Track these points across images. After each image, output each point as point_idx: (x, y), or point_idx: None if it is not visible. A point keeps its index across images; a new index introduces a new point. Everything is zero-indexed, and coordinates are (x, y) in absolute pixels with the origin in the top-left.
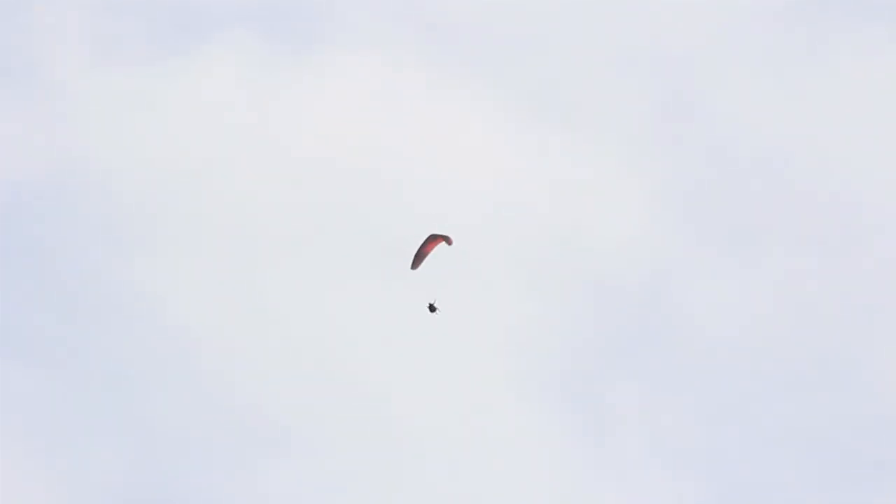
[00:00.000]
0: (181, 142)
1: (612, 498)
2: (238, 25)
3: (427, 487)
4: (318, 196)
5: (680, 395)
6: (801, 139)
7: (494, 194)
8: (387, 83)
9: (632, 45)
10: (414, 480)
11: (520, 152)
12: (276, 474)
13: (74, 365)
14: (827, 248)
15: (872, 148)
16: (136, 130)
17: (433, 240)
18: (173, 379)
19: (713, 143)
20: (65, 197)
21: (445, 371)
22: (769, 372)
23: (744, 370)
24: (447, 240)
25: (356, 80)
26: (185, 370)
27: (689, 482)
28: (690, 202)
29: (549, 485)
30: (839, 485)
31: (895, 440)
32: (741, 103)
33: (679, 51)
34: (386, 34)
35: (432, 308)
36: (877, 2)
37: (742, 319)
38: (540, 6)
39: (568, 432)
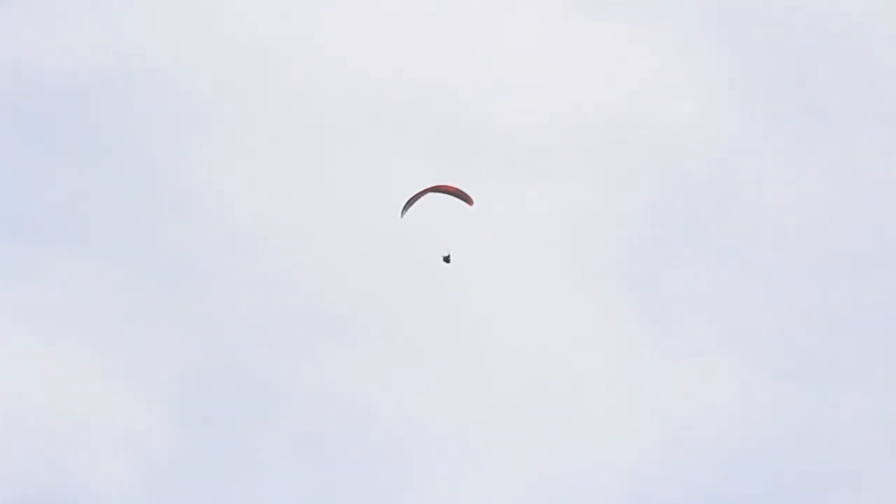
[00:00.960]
0: (245, 36)
1: (677, 383)
2: None
3: (490, 375)
4: (381, 90)
5: (745, 280)
6: (868, 17)
7: (557, 85)
8: None
9: None
10: (478, 369)
11: (583, 41)
12: (341, 364)
13: (138, 258)
14: (893, 127)
15: None
16: (199, 23)
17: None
18: (237, 271)
19: (777, 25)
20: (126, 91)
21: (510, 260)
22: (834, 254)
23: (808, 253)
24: (466, 198)
25: None
26: (249, 261)
27: (753, 367)
28: (755, 85)
29: (613, 370)
30: None
31: None
32: None
33: None
34: None
35: (447, 259)
36: None
37: (807, 202)
38: None
39: (633, 318)
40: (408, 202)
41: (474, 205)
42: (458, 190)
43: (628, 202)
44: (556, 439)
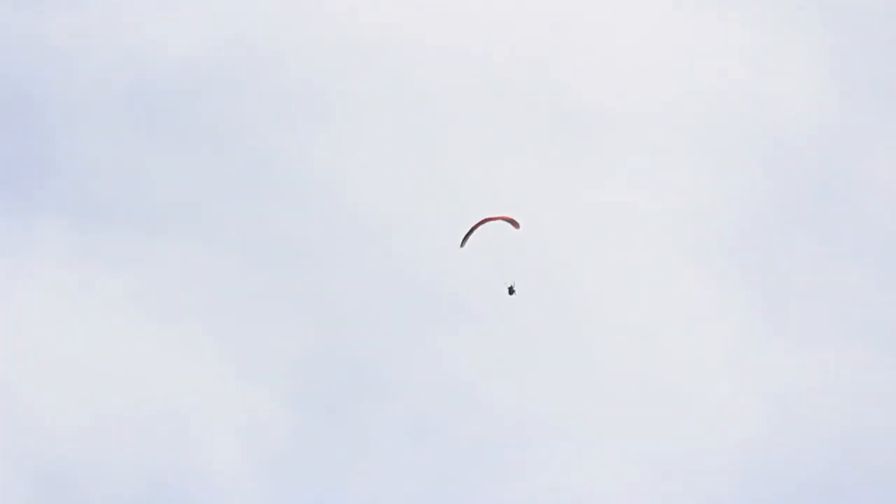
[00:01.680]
0: (358, 21)
1: (789, 366)
2: None
3: (603, 359)
4: (494, 76)
5: (857, 264)
6: None
7: (667, 69)
8: None
9: None
10: (590, 354)
11: (692, 26)
12: (455, 351)
13: (253, 245)
14: None
15: None
16: (313, 9)
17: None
18: (352, 257)
19: (881, 6)
20: (241, 79)
21: (622, 244)
22: None
23: None
24: (513, 222)
25: None
26: (364, 248)
27: (866, 351)
28: (865, 68)
29: (725, 353)
30: None
31: None
32: None
33: None
34: None
35: (511, 290)
36: None
37: None
38: None
39: (744, 301)
40: (466, 234)
41: (520, 228)
42: (508, 217)
43: (740, 186)
44: (668, 421)
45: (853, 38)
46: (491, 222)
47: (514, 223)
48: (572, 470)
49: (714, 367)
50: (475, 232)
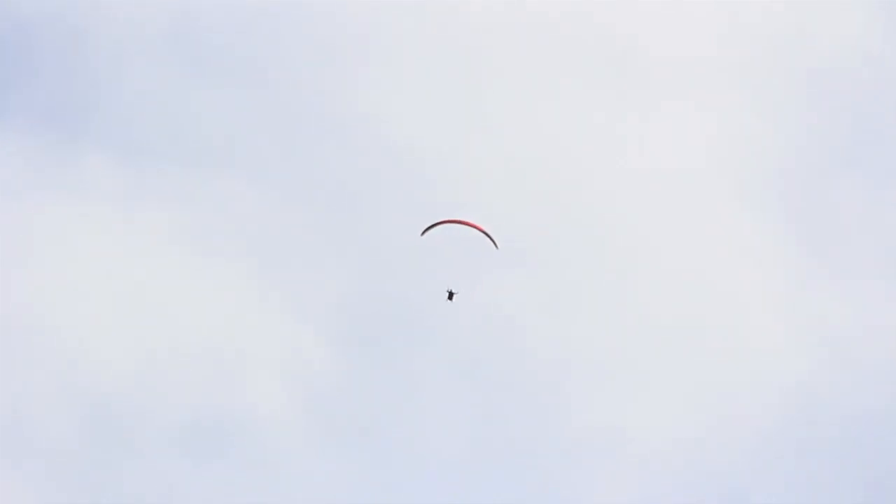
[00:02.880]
0: None
1: (837, 303)
2: None
3: (650, 297)
4: (537, 14)
5: None
6: None
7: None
8: None
9: None
10: (638, 292)
11: None
12: (502, 288)
13: (297, 183)
14: None
15: None
16: None
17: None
18: (396, 193)
19: None
20: (284, 18)
21: (669, 182)
22: None
23: None
24: (492, 240)
25: None
26: (407, 184)
27: None
28: None
29: (773, 291)
30: None
31: None
32: None
33: None
34: None
35: (450, 295)
36: None
37: None
38: None
39: (792, 239)
40: (431, 226)
41: (498, 249)
42: (484, 231)
43: (786, 122)
44: (717, 360)
45: None
46: (467, 227)
47: (493, 241)
48: (618, 409)
49: (761, 306)
50: (443, 226)
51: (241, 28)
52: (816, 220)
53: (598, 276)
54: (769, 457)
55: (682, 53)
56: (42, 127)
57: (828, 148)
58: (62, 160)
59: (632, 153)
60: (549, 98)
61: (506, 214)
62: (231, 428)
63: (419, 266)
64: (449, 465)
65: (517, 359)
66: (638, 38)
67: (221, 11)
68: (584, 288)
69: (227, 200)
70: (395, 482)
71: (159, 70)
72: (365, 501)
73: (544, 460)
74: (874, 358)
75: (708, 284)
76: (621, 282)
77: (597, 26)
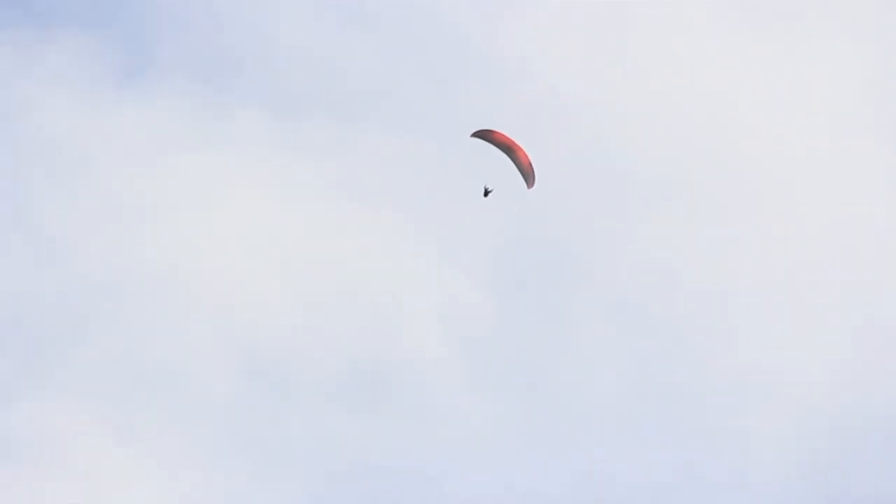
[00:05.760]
0: None
1: None
2: None
3: (796, 235)
4: None
5: None
6: None
7: None
8: None
9: None
10: (783, 229)
11: None
12: (653, 229)
13: (449, 131)
14: None
15: None
16: None
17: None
18: (547, 137)
19: None
20: None
21: (810, 122)
22: None
23: None
24: (526, 176)
25: None
26: (559, 125)
27: None
28: None
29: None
30: None
31: None
32: None
33: None
34: None
35: (486, 192)
36: None
37: None
38: None
39: None
40: (482, 134)
41: (531, 188)
42: (529, 167)
43: None
44: (867, 297)
45: None
46: (511, 157)
47: (529, 180)
48: (774, 350)
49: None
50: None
51: None
52: None
53: (750, 218)
54: None
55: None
56: (193, 84)
57: None
58: (214, 116)
59: (778, 95)
60: (693, 39)
61: (656, 159)
62: (389, 377)
63: (572, 209)
64: (606, 411)
65: (671, 300)
66: None
67: None
68: (735, 231)
69: (379, 150)
70: (553, 429)
71: (308, 22)
72: (524, 449)
73: (702, 404)
74: None
75: (861, 224)
76: (773, 223)
77: None
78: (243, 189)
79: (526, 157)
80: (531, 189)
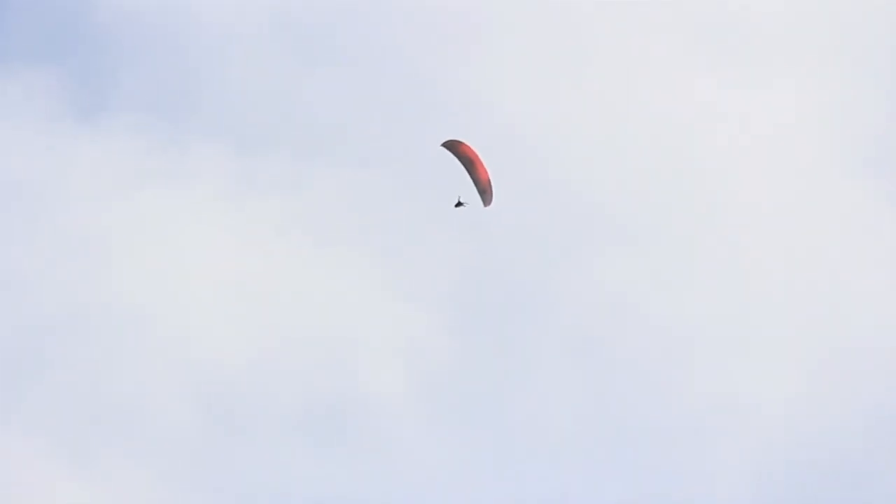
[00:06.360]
0: None
1: None
2: None
3: (758, 267)
4: None
5: None
6: None
7: None
8: None
9: None
10: (746, 262)
11: None
12: (612, 266)
13: (410, 168)
14: None
15: None
16: None
17: (466, 155)
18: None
19: None
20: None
21: (770, 155)
22: None
23: None
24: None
25: None
26: (519, 167)
27: None
28: None
29: (879, 260)
30: None
31: None
32: None
33: None
34: None
35: (458, 203)
36: None
37: None
38: None
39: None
40: (450, 145)
41: (487, 206)
42: (486, 185)
43: (875, 91)
44: (827, 328)
45: None
46: (471, 173)
47: (486, 199)
48: (732, 383)
49: (875, 275)
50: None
51: (345, 13)
52: None
53: (708, 251)
54: (890, 427)
55: (787, 26)
56: (151, 119)
57: None
58: (172, 152)
59: (738, 128)
60: (648, 72)
61: (614, 192)
62: (348, 414)
63: (534, 247)
64: (564, 445)
65: (630, 336)
66: (736, 9)
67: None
68: (693, 264)
69: (338, 186)
70: (512, 464)
71: (267, 59)
72: (483, 483)
73: (658, 437)
74: None
75: (819, 256)
76: (732, 256)
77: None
78: (201, 225)
79: (486, 173)
80: (487, 207)
